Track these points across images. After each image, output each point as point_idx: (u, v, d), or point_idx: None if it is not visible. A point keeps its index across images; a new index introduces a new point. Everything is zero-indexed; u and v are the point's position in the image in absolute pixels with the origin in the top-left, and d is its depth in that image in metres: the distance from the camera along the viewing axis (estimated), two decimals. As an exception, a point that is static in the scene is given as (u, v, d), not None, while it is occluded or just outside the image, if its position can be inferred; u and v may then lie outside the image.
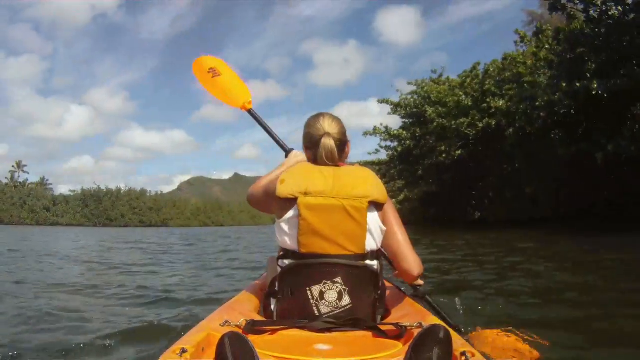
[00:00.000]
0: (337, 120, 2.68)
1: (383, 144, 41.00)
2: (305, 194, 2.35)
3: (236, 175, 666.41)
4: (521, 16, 67.15)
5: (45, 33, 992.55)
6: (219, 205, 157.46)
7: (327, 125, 2.60)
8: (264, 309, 2.62)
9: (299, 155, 3.13)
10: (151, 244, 24.28)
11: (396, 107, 39.57)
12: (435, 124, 31.66)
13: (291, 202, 2.39)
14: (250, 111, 3.84)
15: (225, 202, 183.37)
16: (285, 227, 2.43)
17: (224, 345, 1.56)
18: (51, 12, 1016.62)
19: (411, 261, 2.63)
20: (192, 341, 1.86)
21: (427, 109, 32.54)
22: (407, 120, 38.91)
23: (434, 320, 2.30)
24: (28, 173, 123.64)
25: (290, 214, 2.40)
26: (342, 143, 2.64)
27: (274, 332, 2.18)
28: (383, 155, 41.47)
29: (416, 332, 1.85)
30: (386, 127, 39.12)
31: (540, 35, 27.18)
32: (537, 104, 22.63)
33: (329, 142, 2.54)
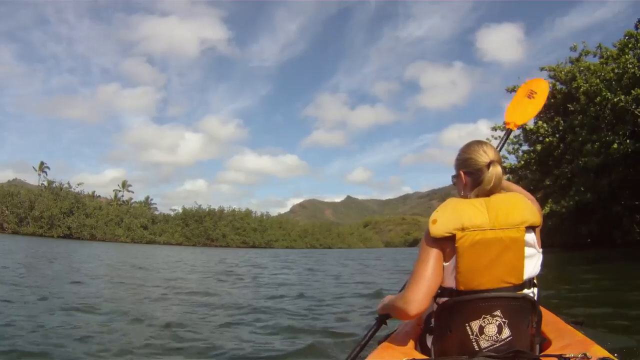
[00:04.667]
0: (493, 147, 2.61)
1: (511, 147, 33.04)
2: (463, 229, 2.29)
3: (348, 197, 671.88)
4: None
5: (159, 65, 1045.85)
6: (328, 226, 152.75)
7: (492, 154, 2.54)
8: (421, 346, 2.64)
9: None
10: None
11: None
12: (598, 99, 22.94)
13: (447, 240, 2.34)
14: (509, 130, 3.96)
15: (335, 224, 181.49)
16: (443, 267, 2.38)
17: None
18: (162, 46, 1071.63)
19: None
20: None
21: (581, 84, 24.15)
22: (543, 115, 30.59)
23: (599, 350, 2.13)
24: (132, 192, 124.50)
25: (447, 253, 2.35)
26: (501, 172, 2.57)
27: None
28: (511, 160, 33.17)
29: None
30: (521, 122, 30.95)
31: None
32: None
33: (499, 171, 2.50)
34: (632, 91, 21.23)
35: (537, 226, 2.37)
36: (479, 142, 2.62)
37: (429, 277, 2.36)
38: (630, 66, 22.49)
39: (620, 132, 22.57)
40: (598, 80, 23.59)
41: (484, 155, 2.51)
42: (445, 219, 2.35)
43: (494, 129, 32.90)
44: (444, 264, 2.37)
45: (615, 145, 21.97)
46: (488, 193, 2.46)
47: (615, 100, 21.97)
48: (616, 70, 22.95)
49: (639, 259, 19.91)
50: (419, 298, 2.35)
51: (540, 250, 2.42)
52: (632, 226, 25.57)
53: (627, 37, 24.59)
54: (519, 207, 2.35)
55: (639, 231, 25.30)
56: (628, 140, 21.98)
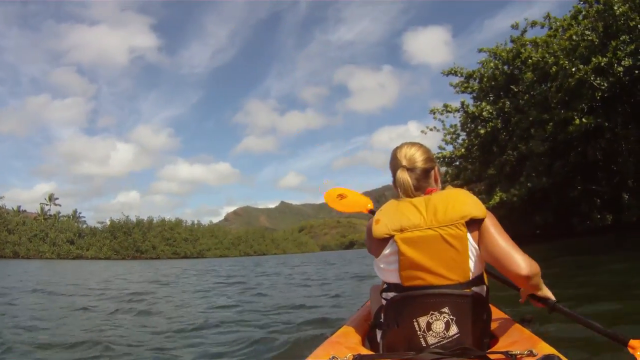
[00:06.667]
0: (416, 146, 2.65)
1: (449, 137, 30.95)
2: (401, 230, 2.34)
3: (282, 203, 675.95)
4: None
5: (89, 75, 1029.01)
6: (261, 233, 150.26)
7: (403, 157, 2.59)
8: (370, 341, 2.66)
9: None
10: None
11: (467, 80, 29.11)
12: (553, 69, 20.63)
13: (388, 240, 2.39)
14: (371, 211, 4.21)
15: (269, 230, 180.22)
16: (384, 264, 2.44)
17: None
18: (91, 55, 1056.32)
19: (517, 261, 2.33)
20: None
21: (531, 54, 21.98)
22: (484, 98, 28.49)
23: (545, 347, 2.16)
24: (60, 205, 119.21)
25: (388, 250, 2.40)
26: (425, 171, 2.59)
27: None
28: (449, 149, 31.19)
29: None
30: (462, 103, 28.59)
31: None
32: None
33: (402, 177, 2.54)
34: (593, 58, 18.97)
35: (481, 219, 2.34)
36: (399, 146, 2.67)
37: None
38: (588, 32, 20.30)
39: (579, 108, 20.36)
40: (556, 47, 21.35)
41: (397, 160, 2.58)
42: (386, 219, 2.41)
43: (424, 132, 31.16)
44: (381, 262, 2.44)
45: (577, 121, 19.66)
46: (412, 196, 2.50)
47: (572, 70, 19.70)
48: (574, 37, 20.70)
49: (599, 248, 18.15)
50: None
51: (479, 250, 2.38)
52: (592, 212, 23.49)
53: (581, 3, 22.66)
54: (458, 202, 2.35)
55: (599, 217, 23.23)
56: (589, 116, 19.77)
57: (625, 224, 20.77)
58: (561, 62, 20.18)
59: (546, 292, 2.64)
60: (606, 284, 9.14)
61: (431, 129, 30.73)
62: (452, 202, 2.34)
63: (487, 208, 2.46)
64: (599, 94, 19.69)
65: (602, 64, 18.80)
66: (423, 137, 31.04)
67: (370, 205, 4.36)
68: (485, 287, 2.43)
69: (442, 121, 30.63)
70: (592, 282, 9.61)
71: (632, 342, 2.70)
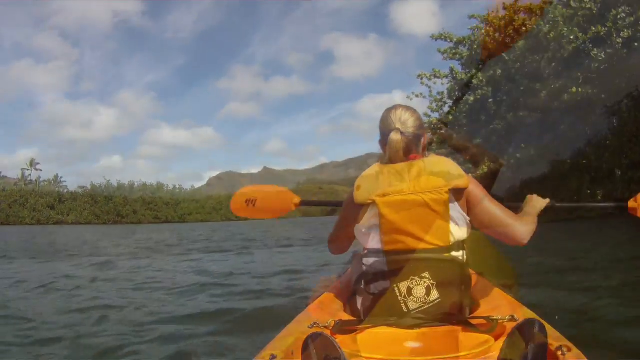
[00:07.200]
0: (410, 111, 2.58)
1: (435, 105, 29.93)
2: (384, 195, 2.34)
3: (265, 168, 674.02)
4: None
5: (72, 39, 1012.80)
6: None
7: (398, 119, 2.53)
8: (351, 307, 2.63)
9: None
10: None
11: (457, 46, 28.27)
12: (551, 35, 20.00)
13: (369, 205, 2.41)
14: (301, 204, 3.97)
15: None
16: (365, 228, 2.46)
17: (309, 347, 1.61)
18: (75, 19, 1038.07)
19: (518, 232, 2.43)
20: (281, 346, 1.91)
21: (525, 22, 21.49)
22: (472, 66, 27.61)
23: (527, 312, 2.24)
24: (41, 170, 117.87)
25: (370, 213, 2.41)
26: (417, 137, 2.55)
27: (362, 330, 2.19)
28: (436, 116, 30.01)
29: (508, 325, 1.97)
30: (452, 69, 27.74)
31: None
32: None
33: (395, 138, 2.47)
34: (593, 27, 18.36)
35: (463, 188, 2.34)
36: (392, 108, 2.59)
37: (343, 236, 2.71)
38: (587, 0, 19.63)
39: (575, 77, 19.83)
40: (557, 12, 20.70)
41: (391, 124, 2.51)
42: (367, 185, 2.41)
43: (409, 98, 29.96)
44: (362, 226, 2.44)
45: (573, 90, 19.11)
46: (400, 159, 2.45)
47: (571, 37, 19.10)
48: (572, 4, 20.07)
49: (589, 224, 18.25)
50: (333, 247, 2.88)
51: (468, 218, 2.40)
52: (582, 186, 23.04)
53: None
54: (441, 170, 2.34)
55: (589, 192, 22.76)
56: (585, 85, 19.25)
57: (618, 200, 20.35)
58: (560, 28, 19.56)
59: (540, 206, 2.88)
60: (601, 259, 9.28)
61: (417, 96, 29.72)
62: (435, 169, 2.34)
63: (475, 178, 2.43)
64: (596, 65, 19.14)
65: (602, 33, 18.21)
66: (409, 103, 29.90)
67: (296, 200, 3.92)
68: (465, 252, 2.44)
69: (430, 87, 29.80)
70: (587, 257, 9.71)
71: (630, 202, 3.07)
